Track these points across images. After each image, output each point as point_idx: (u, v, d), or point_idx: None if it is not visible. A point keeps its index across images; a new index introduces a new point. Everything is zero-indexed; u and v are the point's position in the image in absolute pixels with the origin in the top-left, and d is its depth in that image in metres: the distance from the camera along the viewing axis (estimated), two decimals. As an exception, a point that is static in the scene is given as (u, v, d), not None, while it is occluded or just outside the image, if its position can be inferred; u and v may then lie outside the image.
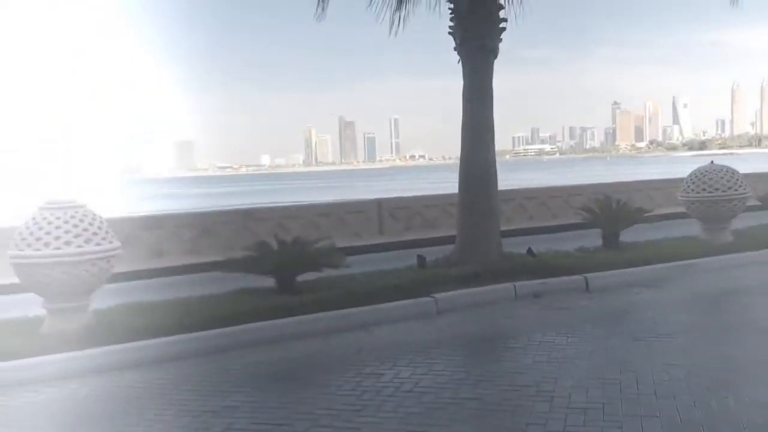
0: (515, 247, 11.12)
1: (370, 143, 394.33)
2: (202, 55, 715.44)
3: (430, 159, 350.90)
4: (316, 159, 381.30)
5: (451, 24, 10.30)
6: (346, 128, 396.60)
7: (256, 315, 7.33)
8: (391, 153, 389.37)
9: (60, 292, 6.90)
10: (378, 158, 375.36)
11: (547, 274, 9.24)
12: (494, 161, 10.29)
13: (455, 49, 10.28)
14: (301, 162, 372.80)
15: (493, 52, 10.16)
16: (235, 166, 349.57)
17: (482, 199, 10.16)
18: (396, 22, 10.71)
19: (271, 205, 19.28)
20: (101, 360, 6.44)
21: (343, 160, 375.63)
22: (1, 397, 5.81)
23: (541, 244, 11.50)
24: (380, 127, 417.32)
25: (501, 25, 10.21)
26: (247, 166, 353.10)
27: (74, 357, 6.41)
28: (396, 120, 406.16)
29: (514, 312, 8.19)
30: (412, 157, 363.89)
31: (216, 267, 11.95)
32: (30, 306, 7.53)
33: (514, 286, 8.78)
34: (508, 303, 8.54)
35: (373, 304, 7.87)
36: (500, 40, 10.21)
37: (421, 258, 9.83)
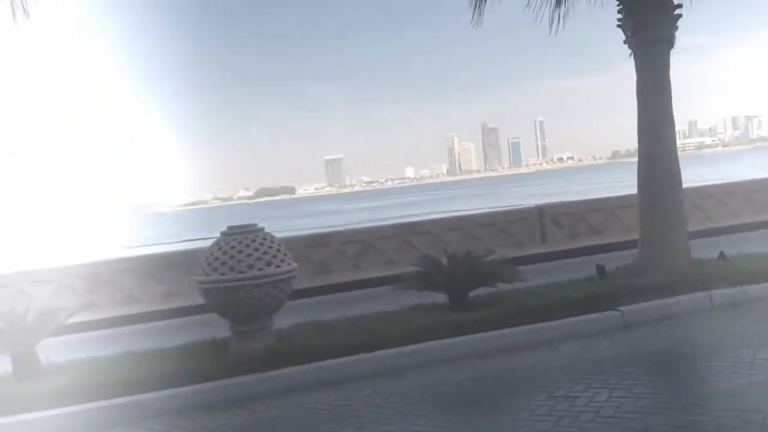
0: (699, 250, 10.18)
1: (515, 148, 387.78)
2: (347, 72, 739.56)
3: (579, 160, 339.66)
4: (460, 168, 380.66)
5: (620, 16, 9.67)
6: (489, 134, 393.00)
7: (432, 333, 7.14)
8: (538, 157, 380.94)
9: (244, 314, 7.09)
10: (524, 163, 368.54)
11: (746, 280, 8.32)
12: (677, 159, 9.51)
13: (625, 42, 9.63)
14: (445, 172, 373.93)
15: (669, 42, 9.40)
16: (381, 180, 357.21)
17: (667, 199, 9.40)
18: (556, 20, 10.23)
19: (429, 217, 19.12)
20: (285, 381, 6.52)
21: (487, 167, 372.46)
22: (197, 419, 6.00)
23: (728, 247, 10.45)
24: (525, 131, 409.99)
25: (676, 12, 9.45)
26: (392, 179, 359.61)
27: (260, 378, 6.54)
28: (541, 123, 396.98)
29: (712, 325, 7.42)
30: (560, 159, 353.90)
31: (382, 283, 12.07)
32: (217, 327, 7.80)
33: (710, 296, 7.97)
34: (703, 315, 7.76)
35: (554, 319, 7.44)
36: (676, 27, 9.44)
37: (600, 268, 9.22)
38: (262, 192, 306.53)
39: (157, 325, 11.00)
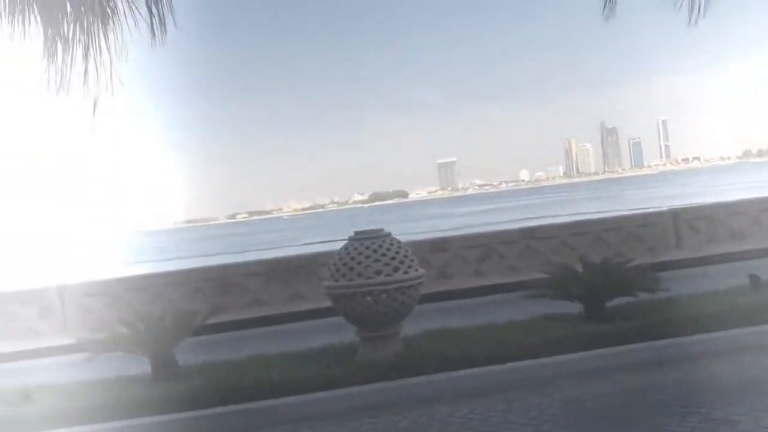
0: None
1: (636, 148, 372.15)
2: (456, 76, 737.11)
3: (706, 160, 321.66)
4: (577, 169, 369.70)
5: (774, 0, 8.87)
6: (608, 135, 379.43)
7: (569, 344, 6.75)
8: (661, 157, 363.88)
9: (371, 320, 7.02)
10: (645, 164, 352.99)
11: None
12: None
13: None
14: (561, 174, 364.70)
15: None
16: (495, 183, 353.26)
17: None
18: (697, 7, 9.47)
19: (553, 221, 18.51)
20: (416, 390, 6.35)
21: (606, 169, 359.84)
22: (326, 426, 5.94)
23: None
24: (647, 131, 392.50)
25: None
26: (506, 182, 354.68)
27: (389, 387, 6.41)
28: (664, 121, 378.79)
29: None
30: (685, 160, 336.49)
31: (505, 290, 11.72)
32: (344, 331, 7.75)
33: None
34: None
35: (703, 332, 6.84)
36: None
37: (754, 277, 8.45)
38: (376, 196, 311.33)
39: (283, 328, 11.16)
